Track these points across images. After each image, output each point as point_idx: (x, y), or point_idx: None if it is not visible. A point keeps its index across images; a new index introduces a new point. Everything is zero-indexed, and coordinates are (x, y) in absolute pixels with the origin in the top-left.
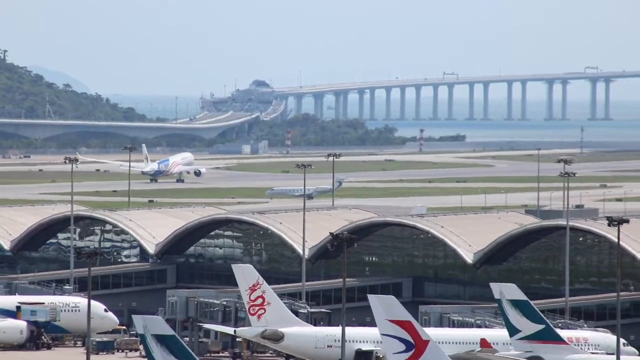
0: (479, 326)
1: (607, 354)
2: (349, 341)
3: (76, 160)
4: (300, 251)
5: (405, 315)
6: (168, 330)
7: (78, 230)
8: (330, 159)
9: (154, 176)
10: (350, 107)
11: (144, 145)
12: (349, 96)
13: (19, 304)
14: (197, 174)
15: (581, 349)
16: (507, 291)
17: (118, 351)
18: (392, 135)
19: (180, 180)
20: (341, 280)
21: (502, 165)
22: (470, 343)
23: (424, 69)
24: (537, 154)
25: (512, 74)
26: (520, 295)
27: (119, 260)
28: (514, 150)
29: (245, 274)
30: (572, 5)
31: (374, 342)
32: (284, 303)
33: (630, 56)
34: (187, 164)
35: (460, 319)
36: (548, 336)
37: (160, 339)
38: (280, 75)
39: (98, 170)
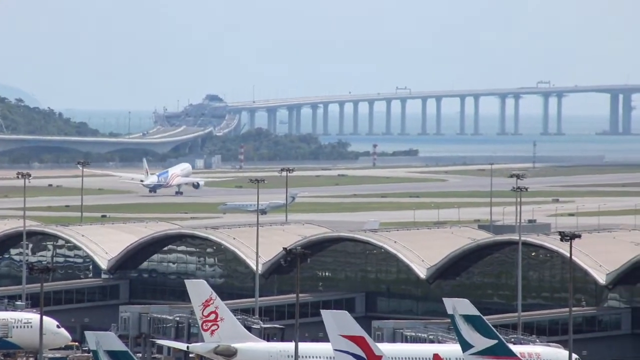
0: (431, 341)
1: None
2: (302, 357)
3: (29, 175)
4: (254, 266)
5: (358, 331)
6: (121, 346)
7: (30, 245)
8: (284, 173)
9: (154, 189)
10: (303, 122)
11: (144, 159)
12: (302, 111)
13: None
14: (196, 186)
15: None
16: (459, 306)
17: None
18: (345, 150)
19: (179, 193)
20: (294, 295)
21: (455, 180)
22: (423, 358)
23: (377, 83)
24: (489, 169)
25: (464, 89)
26: (473, 311)
27: (72, 276)
28: (466, 165)
29: (198, 289)
30: (524, 21)
31: (327, 357)
32: (237, 318)
33: (582, 71)
34: (186, 175)
35: (413, 334)
36: (501, 351)
37: (113, 355)
38: (234, 90)
39: (51, 185)
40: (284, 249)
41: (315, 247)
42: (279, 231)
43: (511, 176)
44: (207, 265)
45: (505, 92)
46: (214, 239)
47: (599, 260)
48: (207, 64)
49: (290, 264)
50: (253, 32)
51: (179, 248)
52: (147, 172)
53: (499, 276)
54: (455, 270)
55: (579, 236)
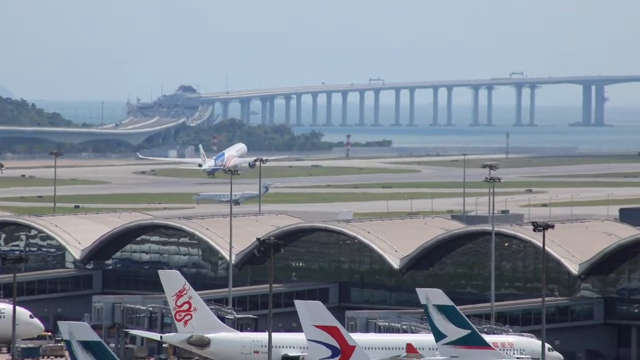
0: (405, 331)
1: (532, 358)
2: (276, 347)
3: (1, 165)
4: (227, 257)
5: (332, 321)
6: (94, 337)
7: (3, 235)
8: (257, 164)
9: (212, 172)
10: (276, 113)
11: (200, 145)
12: (275, 102)
13: None
14: (251, 165)
15: (506, 353)
16: (433, 296)
17: (43, 358)
18: (318, 141)
19: (236, 172)
20: (268, 285)
21: (428, 170)
22: (396, 348)
23: (350, 74)
24: (462, 160)
25: (438, 80)
26: (446, 301)
27: (45, 266)
28: (439, 156)
29: (172, 279)
30: (497, 11)
31: (300, 347)
32: (211, 309)
33: (555, 62)
34: (241, 156)
35: (387, 324)
36: (474, 341)
37: (86, 345)
38: (207, 81)
39: (24, 175)
40: (258, 239)
41: (289, 238)
42: (253, 222)
43: (484, 167)
44: (180, 256)
45: (478, 83)
46: (187, 230)
47: (572, 250)
48: (180, 55)
49: (264, 255)
50: (226, 23)
51: (152, 238)
52: (205, 157)
53: (472, 266)
54: (429, 261)
55: (552, 226)
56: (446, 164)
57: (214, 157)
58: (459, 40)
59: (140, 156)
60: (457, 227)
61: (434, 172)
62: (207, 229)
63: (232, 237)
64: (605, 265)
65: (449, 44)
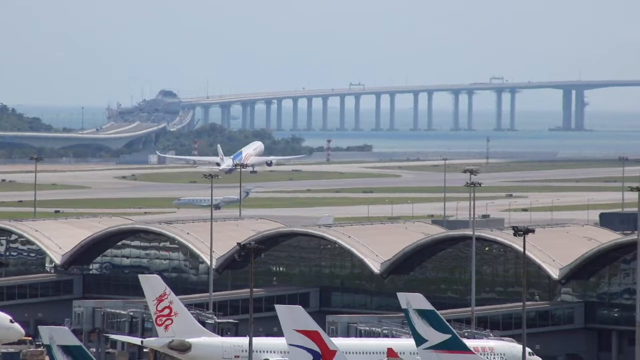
0: (385, 336)
1: None
2: (257, 351)
3: None
4: (208, 261)
5: (313, 325)
6: (74, 341)
7: None
8: (238, 169)
9: (230, 172)
10: (257, 118)
11: (219, 145)
12: (256, 106)
13: None
14: (269, 164)
15: (487, 358)
16: (413, 301)
17: None
18: (299, 146)
19: (253, 172)
20: (248, 290)
21: (408, 175)
22: (377, 353)
23: (331, 79)
24: (443, 164)
25: (418, 84)
26: (427, 305)
27: (25, 270)
28: (420, 161)
29: (152, 284)
30: (477, 16)
31: (281, 352)
32: (191, 313)
33: (535, 67)
34: (259, 154)
35: (368, 328)
36: (454, 346)
37: (67, 350)
38: (187, 86)
39: (4, 180)
40: (238, 244)
41: (269, 242)
42: (233, 226)
43: (465, 171)
44: (161, 260)
45: (458, 88)
46: (168, 234)
47: (552, 255)
48: (160, 60)
49: (244, 259)
50: (206, 28)
51: (133, 243)
52: (222, 157)
53: (453, 271)
54: (409, 265)
55: (533, 231)
56: (427, 168)
57: (232, 157)
58: (439, 45)
59: (159, 154)
60: (438, 231)
61: (415, 176)
62: (188, 233)
63: (213, 242)
64: (586, 269)
65: (430, 48)
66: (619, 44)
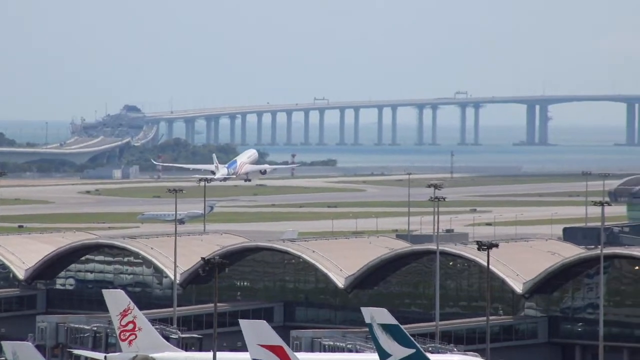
0: (350, 350)
1: None
2: None
3: None
4: (172, 276)
5: (277, 340)
6: (38, 357)
7: None
8: (202, 183)
9: (225, 181)
10: (221, 132)
11: (214, 155)
12: (220, 121)
13: None
14: (263, 172)
15: None
16: (377, 315)
17: None
18: (263, 160)
19: (247, 180)
20: (212, 305)
21: (373, 190)
22: None
23: (295, 94)
24: (407, 179)
25: (382, 99)
26: (391, 320)
27: None
28: (384, 175)
29: (116, 299)
30: (441, 31)
31: None
32: (155, 328)
33: (499, 82)
34: (253, 162)
35: (332, 343)
36: None
37: None
38: (151, 100)
39: None
40: (202, 258)
41: (234, 257)
42: (197, 241)
43: (429, 186)
44: (125, 275)
45: (422, 102)
46: (132, 249)
47: (516, 269)
48: (124, 74)
49: (209, 274)
50: (170, 43)
51: (97, 258)
52: (217, 165)
53: (417, 285)
54: (374, 280)
55: (496, 245)
56: (391, 183)
57: (226, 165)
58: (403, 59)
59: (154, 163)
60: (402, 246)
61: (379, 191)
62: (152, 248)
63: (177, 257)
64: (550, 284)
65: (394, 63)
66: (583, 59)
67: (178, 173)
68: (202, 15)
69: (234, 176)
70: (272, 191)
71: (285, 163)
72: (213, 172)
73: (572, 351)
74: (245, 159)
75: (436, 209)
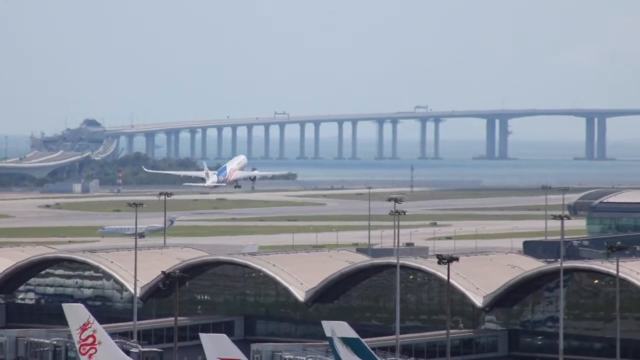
0: None
1: None
2: None
3: None
4: (132, 290)
5: (237, 354)
6: None
7: None
8: (162, 197)
9: (216, 188)
10: (182, 146)
11: (204, 162)
12: (180, 135)
13: None
14: (252, 179)
15: None
16: (338, 329)
17: None
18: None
19: (237, 186)
20: (173, 319)
21: (333, 203)
22: None
23: (256, 108)
24: (367, 193)
25: (342, 114)
26: (352, 333)
27: None
28: (344, 189)
29: (76, 313)
30: (401, 45)
31: None
32: (116, 342)
33: (459, 96)
34: (242, 169)
35: (292, 357)
36: None
37: None
38: (112, 114)
39: None
40: (163, 272)
41: (194, 271)
42: (158, 255)
43: (389, 200)
44: (85, 289)
45: (383, 116)
46: (92, 263)
47: (476, 283)
48: (84, 88)
49: (169, 288)
50: (131, 56)
51: (57, 272)
52: (208, 173)
53: (377, 299)
54: (334, 293)
55: (457, 259)
56: (351, 197)
57: (216, 172)
58: (363, 74)
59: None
60: (362, 259)
61: (339, 205)
62: (112, 262)
63: (137, 270)
64: (510, 297)
65: (354, 77)
66: (543, 73)
67: (138, 187)
68: (162, 29)
69: (224, 184)
70: (232, 205)
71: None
72: (203, 179)
73: None
74: (235, 165)
75: (396, 222)
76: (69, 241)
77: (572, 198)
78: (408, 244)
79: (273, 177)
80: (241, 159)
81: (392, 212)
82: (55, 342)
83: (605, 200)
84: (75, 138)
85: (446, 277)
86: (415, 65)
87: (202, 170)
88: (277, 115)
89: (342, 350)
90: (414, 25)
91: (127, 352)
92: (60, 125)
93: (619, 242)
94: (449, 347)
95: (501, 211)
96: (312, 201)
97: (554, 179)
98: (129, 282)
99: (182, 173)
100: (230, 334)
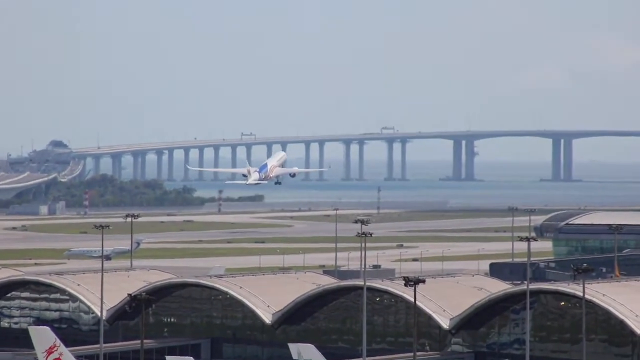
0: None
1: None
2: None
3: None
4: (98, 312)
5: None
6: None
7: None
8: (129, 219)
9: (257, 185)
10: (148, 168)
11: (246, 160)
12: (147, 157)
13: None
14: (292, 175)
15: None
16: (305, 351)
17: None
18: (190, 196)
19: (278, 183)
20: (139, 341)
21: (300, 225)
22: None
23: (222, 129)
24: (334, 214)
25: (309, 135)
26: (318, 356)
27: None
28: (311, 211)
29: (42, 336)
30: (367, 66)
31: None
32: None
33: (426, 117)
34: (282, 165)
35: None
36: None
37: None
38: (78, 136)
39: None
40: (129, 294)
41: (161, 293)
42: (124, 277)
43: (356, 221)
44: (51, 312)
45: (349, 137)
46: (58, 285)
47: (443, 305)
48: (51, 109)
49: (135, 310)
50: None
51: (23, 294)
52: (250, 170)
53: (344, 321)
54: (301, 316)
55: (423, 281)
56: (318, 218)
57: (257, 170)
58: (330, 95)
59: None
60: (329, 282)
61: (306, 226)
62: (78, 284)
63: (104, 293)
64: (476, 319)
65: (320, 98)
66: (509, 94)
67: (104, 209)
68: (127, 50)
69: (266, 181)
70: (199, 227)
71: (212, 199)
72: (245, 176)
73: None
74: (275, 162)
75: (363, 244)
76: (35, 263)
77: (539, 220)
78: (375, 266)
79: (307, 174)
80: (281, 155)
81: (359, 233)
82: None
83: (571, 222)
84: (42, 159)
85: (413, 299)
86: (382, 86)
87: (246, 167)
88: (244, 137)
89: None
90: (380, 46)
91: None
92: (27, 147)
93: (585, 264)
94: None
95: (468, 233)
96: (279, 223)
97: (521, 200)
98: (95, 304)
99: (224, 170)
100: (197, 356)
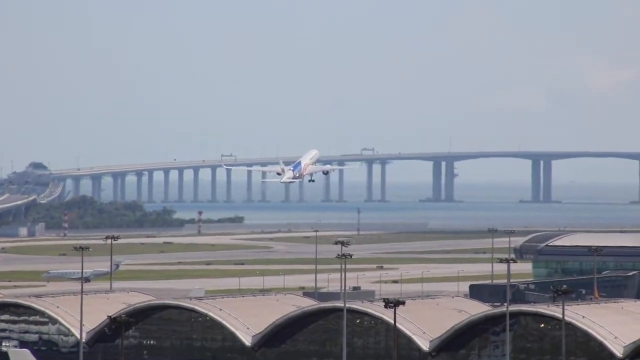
0: None
1: None
2: None
3: None
4: (78, 335)
5: None
6: None
7: None
8: (108, 241)
9: (291, 183)
10: (128, 189)
11: (281, 160)
12: (126, 178)
13: None
14: (325, 173)
15: None
16: None
17: None
18: (170, 217)
19: (311, 180)
20: None
21: (280, 247)
22: None
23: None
24: (314, 236)
25: (289, 156)
26: None
27: None
28: (291, 232)
29: (22, 358)
30: (346, 87)
31: None
32: None
33: (405, 139)
34: (315, 163)
35: None
36: None
37: None
38: (58, 158)
39: None
40: (109, 317)
41: (140, 315)
42: (104, 299)
43: (336, 243)
44: (30, 334)
45: (329, 159)
46: (38, 308)
47: (423, 327)
48: (30, 131)
49: (115, 332)
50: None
51: (2, 317)
52: (284, 169)
53: (324, 343)
54: (281, 338)
55: (403, 303)
56: (298, 240)
57: (291, 168)
58: (308, 116)
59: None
60: (309, 303)
61: (286, 248)
62: (58, 307)
63: (83, 315)
64: (456, 341)
65: (299, 119)
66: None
67: (84, 231)
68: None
69: (299, 179)
70: (178, 248)
71: (192, 220)
72: (279, 174)
73: None
74: (308, 160)
75: (343, 266)
76: (14, 286)
77: (518, 241)
78: (355, 288)
79: (335, 170)
80: (314, 153)
81: (338, 255)
82: None
83: (551, 244)
84: (21, 181)
85: (393, 321)
86: (361, 107)
87: (279, 166)
88: (224, 158)
89: None
90: (357, 67)
91: None
92: (6, 168)
93: (564, 286)
94: None
95: (447, 254)
96: (259, 244)
97: (500, 221)
98: (74, 327)
99: (256, 168)
100: None
